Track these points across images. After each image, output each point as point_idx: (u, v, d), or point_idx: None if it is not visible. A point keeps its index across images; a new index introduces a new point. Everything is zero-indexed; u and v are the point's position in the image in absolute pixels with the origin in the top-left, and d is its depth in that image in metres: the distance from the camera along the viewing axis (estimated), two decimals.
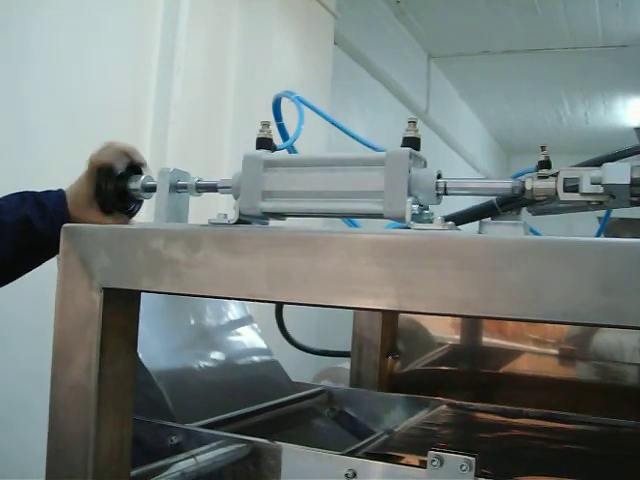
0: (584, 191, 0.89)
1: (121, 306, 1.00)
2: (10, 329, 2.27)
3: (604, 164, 0.87)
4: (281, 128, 1.60)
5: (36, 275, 1.32)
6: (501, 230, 0.93)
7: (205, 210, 1.06)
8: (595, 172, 0.87)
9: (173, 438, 1.17)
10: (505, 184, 0.97)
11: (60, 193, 1.25)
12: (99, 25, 2.76)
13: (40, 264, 1.28)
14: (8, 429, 2.25)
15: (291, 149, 1.52)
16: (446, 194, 0.97)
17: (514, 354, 1.90)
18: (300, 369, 2.03)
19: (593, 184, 0.88)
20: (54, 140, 2.50)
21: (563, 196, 0.91)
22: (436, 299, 0.78)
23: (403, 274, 0.79)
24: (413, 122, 1.01)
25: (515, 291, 0.74)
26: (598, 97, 8.38)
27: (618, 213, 1.51)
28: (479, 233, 0.92)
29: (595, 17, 5.95)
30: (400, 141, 0.98)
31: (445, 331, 1.97)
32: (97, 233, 1.00)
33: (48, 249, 1.20)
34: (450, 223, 0.90)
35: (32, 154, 2.41)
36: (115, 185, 1.22)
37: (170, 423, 1.22)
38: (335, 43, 4.47)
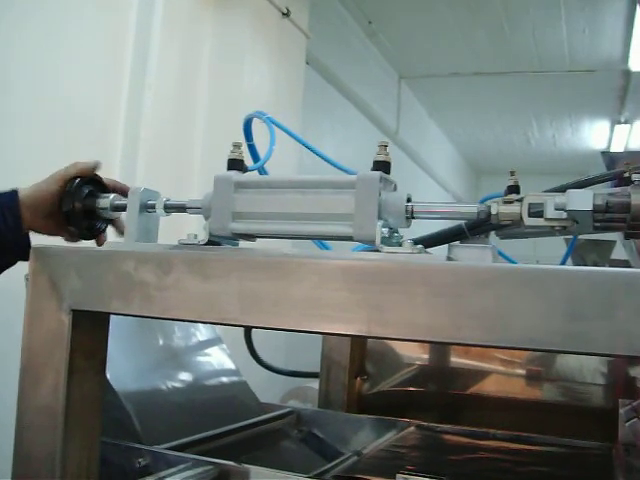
0: (548, 216, 0.91)
1: (90, 328, 0.99)
2: None
3: (568, 190, 0.89)
4: (252, 149, 1.60)
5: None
6: (470, 253, 0.94)
7: (176, 228, 1.06)
8: (559, 198, 0.89)
9: (140, 460, 1.15)
10: (472, 208, 0.98)
11: (13, 192, 1.21)
12: (70, 41, 2.73)
13: (1, 270, 1.24)
14: None
15: (262, 170, 1.52)
16: (414, 217, 0.98)
17: (481, 375, 1.91)
18: (268, 388, 2.02)
19: (557, 210, 0.90)
20: (21, 157, 2.46)
21: (528, 221, 0.93)
22: (405, 325, 0.78)
23: (373, 299, 0.80)
24: (384, 146, 1.02)
25: (483, 318, 0.75)
26: (565, 120, 8.51)
27: (585, 234, 1.53)
28: (448, 256, 0.93)
29: (563, 42, 6.05)
30: (370, 160, 0.99)
31: (413, 352, 1.98)
32: (67, 254, 0.99)
33: (5, 250, 1.17)
34: (419, 246, 0.91)
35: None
36: (83, 204, 1.20)
37: (137, 445, 1.20)
38: (307, 62, 4.49)
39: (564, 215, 0.89)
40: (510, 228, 1.11)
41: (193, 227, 1.06)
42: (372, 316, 0.80)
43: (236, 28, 3.68)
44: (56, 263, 0.98)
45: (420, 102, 8.05)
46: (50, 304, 0.97)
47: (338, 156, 1.32)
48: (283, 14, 3.98)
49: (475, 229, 1.18)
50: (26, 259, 1.07)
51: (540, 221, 0.92)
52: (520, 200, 0.94)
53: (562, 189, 1.07)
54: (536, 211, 0.92)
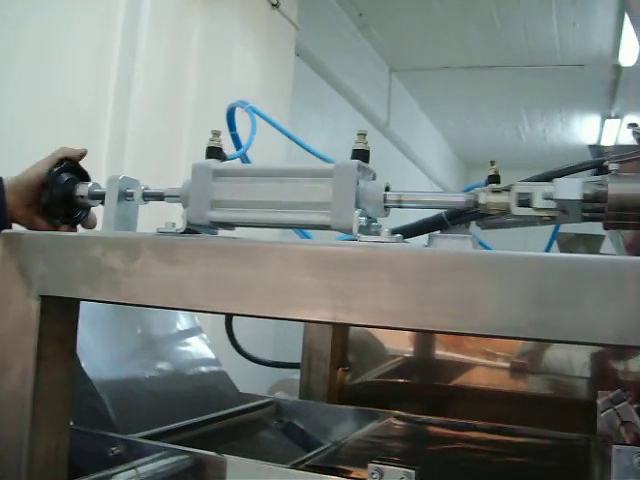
0: (537, 206, 0.90)
1: (59, 314, 0.98)
2: None
3: (555, 179, 0.88)
4: (235, 138, 1.59)
5: None
6: (450, 243, 0.94)
7: (163, 218, 1.05)
8: (548, 187, 0.89)
9: (114, 449, 1.14)
10: (459, 197, 0.98)
11: None
12: (57, 33, 2.72)
13: None
14: None
15: (245, 159, 1.51)
16: (397, 207, 0.97)
17: (466, 367, 1.91)
18: (255, 380, 2.02)
19: (545, 199, 0.89)
20: (7, 146, 2.45)
21: (516, 211, 0.92)
22: (370, 311, 0.78)
23: (339, 286, 0.79)
24: (363, 134, 1.02)
25: (448, 304, 0.75)
26: (556, 114, 8.53)
27: (573, 228, 1.53)
28: (426, 246, 0.93)
29: (553, 36, 6.06)
30: None
31: (397, 343, 1.97)
32: (36, 240, 0.98)
33: None
34: (397, 236, 0.91)
35: None
36: (61, 190, 1.19)
37: (111, 434, 1.19)
38: (297, 54, 4.48)
39: (553, 205, 0.89)
40: (491, 218, 1.11)
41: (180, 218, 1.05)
42: (337, 303, 0.79)
43: (225, 19, 3.67)
44: (25, 248, 0.97)
45: (411, 95, 8.05)
46: (19, 290, 0.96)
47: (328, 148, 1.32)
48: (272, 5, 3.97)
49: (455, 219, 1.18)
50: None
51: (528, 211, 0.91)
52: (508, 189, 0.94)
53: (544, 178, 1.07)
54: (524, 200, 0.91)
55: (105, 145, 3.05)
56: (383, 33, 6.30)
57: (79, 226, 1.27)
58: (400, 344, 1.98)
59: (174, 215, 1.07)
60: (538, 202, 0.90)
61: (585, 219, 0.96)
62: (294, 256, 0.83)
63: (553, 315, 0.71)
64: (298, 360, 2.01)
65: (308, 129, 5.04)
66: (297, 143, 1.39)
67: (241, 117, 1.60)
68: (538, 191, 0.90)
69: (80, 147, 1.26)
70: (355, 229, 0.92)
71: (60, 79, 2.74)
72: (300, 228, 1.35)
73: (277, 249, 0.84)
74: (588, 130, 8.94)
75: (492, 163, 1.03)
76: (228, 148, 1.16)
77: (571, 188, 0.87)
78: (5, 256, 0.98)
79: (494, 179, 1.00)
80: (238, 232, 1.07)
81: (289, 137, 1.41)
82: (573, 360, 1.80)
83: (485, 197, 0.94)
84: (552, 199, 0.88)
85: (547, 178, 0.98)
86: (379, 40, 6.44)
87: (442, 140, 10.08)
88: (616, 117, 8.15)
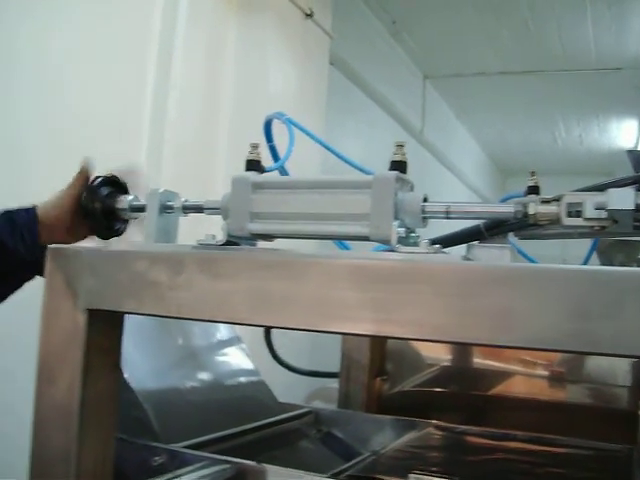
0: (587, 216, 0.89)
1: (105, 327, 1.00)
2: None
3: (608, 189, 0.88)
4: (272, 149, 1.61)
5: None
6: (489, 253, 0.94)
7: (203, 228, 1.07)
8: (599, 197, 0.88)
9: (157, 458, 1.16)
10: (507, 208, 0.97)
11: (31, 209, 1.24)
12: (95, 42, 2.76)
13: (18, 286, 1.26)
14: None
15: (282, 170, 1.52)
16: (436, 218, 0.98)
17: (504, 376, 1.90)
18: (292, 389, 2.02)
19: (597, 209, 0.88)
20: (45, 158, 2.47)
21: (566, 221, 0.91)
22: (413, 324, 0.78)
23: (381, 299, 0.80)
24: (401, 146, 1.02)
25: (488, 317, 0.75)
26: (592, 119, 8.43)
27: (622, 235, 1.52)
28: (466, 256, 0.93)
29: (589, 39, 6.00)
30: None
31: (434, 352, 1.97)
32: (82, 254, 1.00)
33: (23, 268, 1.19)
34: (436, 246, 0.91)
35: (19, 176, 2.37)
36: (102, 205, 1.22)
37: (154, 443, 1.21)
38: (331, 63, 4.49)
39: (604, 215, 0.88)
40: (530, 229, 1.10)
41: (219, 229, 1.07)
42: (379, 316, 0.80)
43: (260, 29, 3.69)
44: (71, 263, 1.00)
45: (445, 102, 8.02)
46: (66, 303, 0.98)
47: (363, 157, 1.32)
48: (306, 15, 3.99)
49: (493, 229, 1.17)
50: (42, 274, 1.08)
51: (579, 221, 0.90)
52: (558, 199, 0.93)
53: (598, 188, 1.05)
54: (575, 211, 0.91)
55: (143, 156, 3.09)
56: (416, 40, 6.29)
57: None
58: (437, 353, 1.98)
59: (204, 224, 1.08)
60: (589, 212, 0.89)
61: (636, 228, 0.95)
62: (336, 269, 0.84)
63: (592, 328, 0.71)
64: (334, 369, 2.02)
65: (343, 138, 5.05)
66: (335, 154, 1.40)
67: (276, 128, 1.62)
68: (589, 201, 0.89)
69: (118, 158, 1.28)
70: (394, 240, 0.93)
71: (98, 88, 2.77)
72: (339, 239, 1.36)
73: (319, 263, 0.85)
74: (626, 134, 8.82)
75: (532, 174, 1.02)
76: (264, 159, 1.17)
77: (624, 198, 0.86)
78: (52, 270, 1.00)
79: (534, 190, 0.99)
80: (274, 242, 1.09)
81: (327, 148, 1.41)
82: (614, 369, 1.78)
83: (535, 207, 0.93)
84: (604, 209, 0.87)
85: (599, 189, 0.97)
86: (412, 47, 6.43)
87: (477, 146, 10.02)
88: None
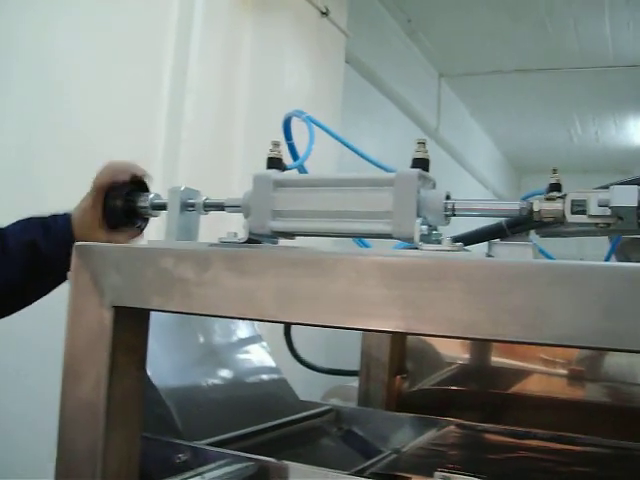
0: (591, 213, 0.90)
1: (131, 324, 1.00)
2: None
3: (611, 186, 0.88)
4: (291, 147, 1.60)
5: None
6: (510, 251, 0.94)
7: (219, 227, 1.07)
8: (602, 194, 0.88)
9: (180, 456, 1.17)
10: (513, 205, 0.98)
11: (66, 215, 1.26)
12: (113, 45, 2.77)
13: (51, 289, 1.28)
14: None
15: (301, 168, 1.52)
16: (454, 215, 0.98)
17: (523, 374, 1.89)
18: (309, 387, 2.03)
19: (600, 206, 0.88)
20: (61, 160, 2.48)
21: (570, 218, 0.91)
22: (443, 321, 0.78)
23: (411, 296, 0.80)
24: (422, 143, 1.02)
25: (520, 314, 0.75)
26: (609, 116, 8.38)
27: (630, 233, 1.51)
28: (488, 254, 0.93)
29: (606, 36, 5.96)
30: (410, 158, 0.99)
31: (454, 351, 1.97)
32: (108, 252, 1.01)
33: (56, 273, 1.21)
34: (459, 244, 0.91)
35: (36, 178, 2.39)
36: (123, 203, 1.23)
37: (178, 440, 1.21)
38: (346, 62, 4.49)
39: (608, 212, 0.88)
40: (552, 226, 1.10)
41: (235, 227, 1.07)
42: (409, 313, 0.80)
43: (275, 28, 3.69)
44: (97, 260, 1.00)
45: (461, 100, 8.00)
46: (92, 300, 0.98)
47: (378, 154, 1.32)
48: (322, 13, 3.99)
49: (515, 227, 1.17)
50: None
51: (583, 218, 0.91)
52: (562, 197, 0.93)
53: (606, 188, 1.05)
54: (579, 208, 0.91)
55: (160, 156, 3.10)
56: (432, 38, 6.28)
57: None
58: (456, 351, 1.98)
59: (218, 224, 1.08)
60: (593, 209, 0.89)
61: None
62: (365, 266, 0.84)
63: (624, 325, 0.70)
64: (351, 366, 2.02)
65: (358, 136, 5.04)
66: (356, 152, 1.39)
67: (293, 126, 1.62)
68: (593, 198, 0.89)
69: (134, 158, 1.30)
70: (417, 238, 0.93)
71: (114, 92, 2.78)
72: (361, 237, 1.36)
73: (347, 260, 0.85)
74: None
75: (554, 171, 1.02)
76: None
77: (627, 195, 0.86)
78: (78, 268, 1.01)
79: (555, 187, 0.99)
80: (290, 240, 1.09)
81: (348, 147, 1.41)
82: (634, 367, 1.77)
83: (539, 205, 0.94)
84: (607, 206, 0.87)
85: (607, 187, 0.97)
86: (428, 46, 6.42)
87: (492, 145, 9.98)
88: None
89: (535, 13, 5.61)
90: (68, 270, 1.17)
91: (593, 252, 1.80)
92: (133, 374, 1.02)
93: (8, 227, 1.26)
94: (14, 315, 1.29)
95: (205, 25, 3.24)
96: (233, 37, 3.55)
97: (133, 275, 0.97)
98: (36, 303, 1.31)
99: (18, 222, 1.28)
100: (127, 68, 2.88)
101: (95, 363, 0.98)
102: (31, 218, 1.28)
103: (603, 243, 1.86)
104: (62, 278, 1.23)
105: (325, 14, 4.00)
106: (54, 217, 1.27)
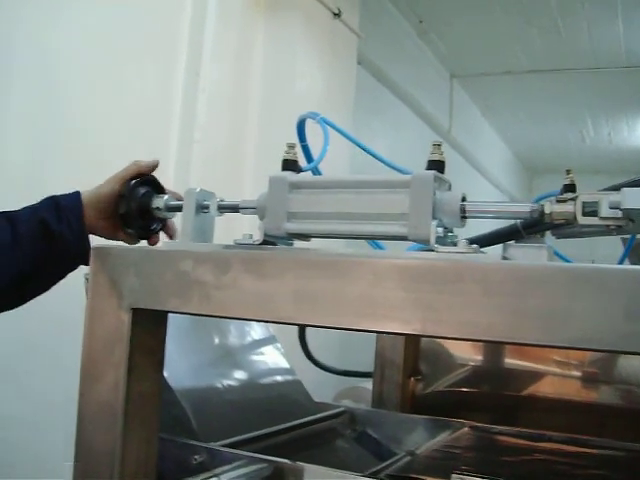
0: (603, 215, 0.89)
1: (149, 326, 1.01)
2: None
3: (623, 188, 0.87)
4: (305, 149, 1.61)
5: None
6: (525, 253, 0.94)
7: (229, 228, 1.07)
8: (614, 196, 0.88)
9: (196, 457, 1.17)
10: (525, 207, 0.97)
11: (75, 194, 1.25)
12: (124, 45, 2.78)
13: (63, 274, 1.26)
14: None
15: (315, 170, 1.52)
16: (469, 217, 0.98)
17: (537, 376, 1.89)
18: (320, 388, 2.03)
19: (612, 208, 0.88)
20: (70, 163, 2.48)
21: (582, 220, 0.91)
22: (461, 324, 0.78)
23: (428, 299, 0.80)
24: (438, 145, 1.02)
25: (539, 317, 0.74)
26: (621, 117, 8.34)
27: None
28: (503, 256, 0.93)
29: (619, 37, 5.93)
30: (423, 159, 0.99)
31: (468, 352, 1.97)
32: (127, 254, 1.02)
33: (69, 255, 1.19)
34: (474, 246, 0.91)
35: (44, 180, 2.36)
36: (139, 203, 1.23)
37: (194, 442, 1.22)
38: (358, 63, 4.49)
39: (619, 214, 0.88)
40: (566, 227, 1.10)
41: (246, 229, 1.08)
42: (427, 315, 0.80)
43: (288, 29, 3.70)
44: (116, 262, 1.01)
45: (473, 101, 7.98)
46: (110, 303, 0.99)
47: (390, 156, 1.32)
48: (334, 15, 3.99)
49: (530, 228, 1.17)
50: (87, 263, 1.10)
51: (594, 220, 0.91)
52: (574, 199, 0.93)
53: (617, 188, 1.05)
54: (590, 210, 0.91)
55: (173, 155, 3.11)
56: (444, 39, 6.27)
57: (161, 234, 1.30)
58: (470, 353, 1.97)
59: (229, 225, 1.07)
60: (604, 211, 0.89)
61: None
62: (383, 269, 0.84)
63: None
64: (361, 367, 2.02)
65: (370, 137, 5.04)
66: (371, 155, 1.39)
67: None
68: (604, 200, 0.89)
69: (147, 158, 1.29)
70: (432, 240, 0.93)
71: (127, 93, 2.79)
72: (377, 239, 1.36)
73: (365, 262, 0.85)
74: None
75: (568, 172, 1.02)
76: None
77: (639, 197, 0.85)
78: (97, 270, 1.02)
79: (570, 188, 0.99)
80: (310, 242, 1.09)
81: (364, 149, 1.41)
82: None
83: (550, 207, 0.93)
84: (618, 208, 0.87)
85: (616, 188, 0.97)
86: (440, 46, 6.41)
87: (504, 145, 9.95)
88: None
89: (547, 14, 5.59)
90: (80, 250, 1.17)
91: (605, 252, 1.79)
92: (151, 376, 1.03)
93: (19, 211, 1.25)
94: (20, 316, 1.29)
95: (218, 26, 3.25)
96: (246, 38, 3.56)
97: (151, 277, 0.98)
98: (40, 305, 1.30)
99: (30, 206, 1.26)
100: (140, 68, 2.89)
101: (113, 365, 0.98)
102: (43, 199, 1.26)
103: (615, 244, 1.86)
104: (75, 262, 1.23)
105: (337, 15, 4.00)
106: (64, 196, 1.25)
